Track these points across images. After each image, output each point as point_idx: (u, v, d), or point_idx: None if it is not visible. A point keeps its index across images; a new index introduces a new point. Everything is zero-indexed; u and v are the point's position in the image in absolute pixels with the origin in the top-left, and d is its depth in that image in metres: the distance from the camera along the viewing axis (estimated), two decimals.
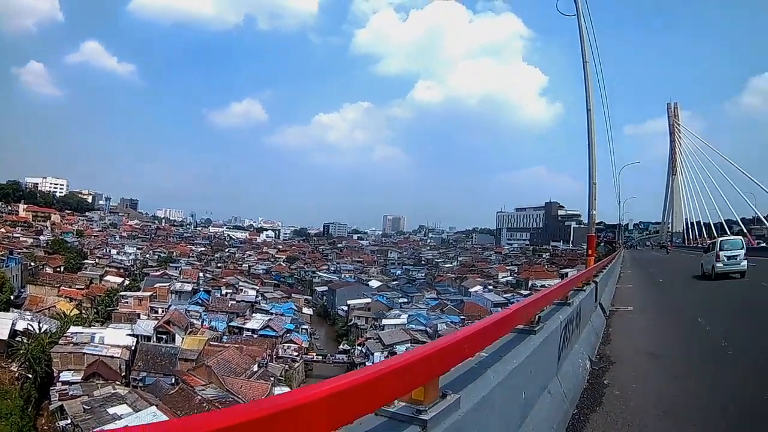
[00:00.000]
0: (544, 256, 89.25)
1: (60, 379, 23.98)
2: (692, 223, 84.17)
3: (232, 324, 35.86)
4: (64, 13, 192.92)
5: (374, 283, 54.44)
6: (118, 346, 27.10)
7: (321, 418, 1.04)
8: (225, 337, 32.87)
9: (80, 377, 24.21)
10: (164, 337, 30.93)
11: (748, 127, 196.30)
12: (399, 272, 69.56)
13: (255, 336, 33.69)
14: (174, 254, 67.36)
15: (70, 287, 39.60)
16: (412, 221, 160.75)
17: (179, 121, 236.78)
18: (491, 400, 2.00)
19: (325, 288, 54.47)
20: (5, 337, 25.75)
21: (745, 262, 14.12)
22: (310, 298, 51.92)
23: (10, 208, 74.36)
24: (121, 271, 51.87)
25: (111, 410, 19.40)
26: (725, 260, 14.18)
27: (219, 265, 64.69)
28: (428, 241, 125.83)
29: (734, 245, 14.91)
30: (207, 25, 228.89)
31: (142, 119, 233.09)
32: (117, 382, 24.12)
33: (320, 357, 35.21)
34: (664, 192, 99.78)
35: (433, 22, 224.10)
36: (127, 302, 37.26)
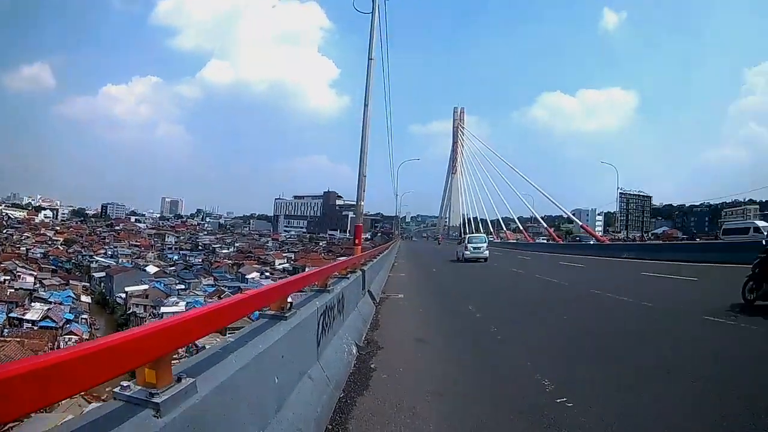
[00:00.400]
0: (321, 244, 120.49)
1: None
2: (469, 219, 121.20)
3: (12, 315, 41.00)
4: None
5: (151, 269, 66.56)
6: None
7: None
8: (6, 330, 37.43)
9: None
10: None
11: (531, 136, 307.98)
12: (176, 257, 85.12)
13: (35, 328, 39.22)
14: None
15: None
16: (191, 205, 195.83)
17: None
18: (235, 385, 2.55)
19: (103, 274, 65.45)
20: None
21: (486, 252, 28.46)
22: (88, 284, 61.56)
23: None
24: None
25: None
26: (471, 250, 28.26)
27: None
28: (206, 225, 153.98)
29: (479, 240, 30.12)
30: None
31: None
32: None
33: None
34: (443, 188, 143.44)
35: (237, 1, 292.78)
36: None
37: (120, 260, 75.16)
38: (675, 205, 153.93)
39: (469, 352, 6.89)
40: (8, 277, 52.07)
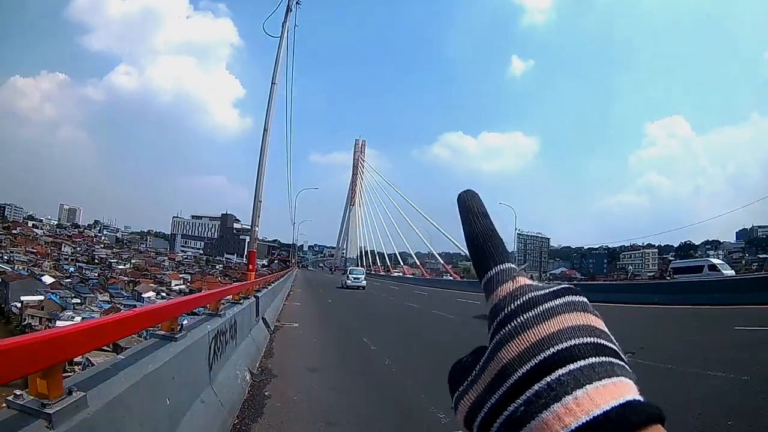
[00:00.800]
0: (217, 267, 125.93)
1: None
2: (367, 252, 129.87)
3: None
4: None
5: (48, 279, 65.20)
6: None
7: None
8: None
9: None
10: None
11: (432, 174, 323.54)
12: (72, 269, 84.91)
13: None
14: None
15: None
16: (89, 214, 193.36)
17: None
18: (126, 403, 2.60)
19: None
20: None
21: (364, 282, 38.07)
22: None
23: None
24: None
25: None
26: (352, 279, 37.66)
27: None
28: (103, 238, 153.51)
29: (359, 272, 40.63)
30: None
31: None
32: None
33: None
34: (341, 219, 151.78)
35: (152, 7, 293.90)
36: None
37: (16, 266, 74.06)
38: (573, 247, 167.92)
39: (362, 382, 7.15)
40: None
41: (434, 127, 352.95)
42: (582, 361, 0.34)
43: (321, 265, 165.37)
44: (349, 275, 39.09)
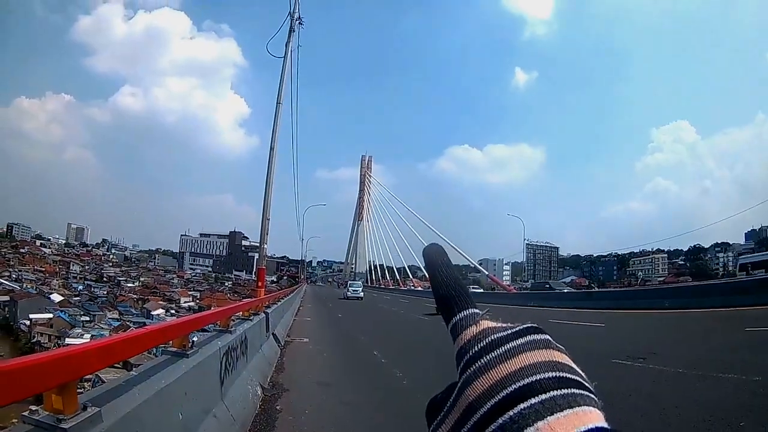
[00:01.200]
0: (226, 284, 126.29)
1: None
2: (376, 266, 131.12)
3: None
4: None
5: (56, 297, 65.29)
6: None
7: None
8: None
9: None
10: None
11: (439, 187, 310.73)
12: (81, 287, 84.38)
13: None
14: None
15: None
16: (96, 233, 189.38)
17: None
18: (139, 418, 2.66)
19: (7, 298, 63.44)
20: None
21: (362, 293, 46.92)
22: None
23: None
24: None
25: None
26: (351, 291, 46.76)
27: None
28: (111, 257, 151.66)
29: (357, 285, 51.17)
30: None
31: None
32: None
33: None
34: (349, 235, 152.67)
35: (156, 29, 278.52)
36: None
37: (24, 285, 73.89)
38: (582, 255, 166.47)
39: (373, 396, 7.15)
40: None
41: (440, 141, 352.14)
42: (543, 394, 0.36)
43: (330, 280, 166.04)
44: (349, 288, 49.08)
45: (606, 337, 13.23)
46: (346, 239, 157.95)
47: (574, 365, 0.40)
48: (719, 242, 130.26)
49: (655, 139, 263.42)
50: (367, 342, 13.30)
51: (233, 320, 6.28)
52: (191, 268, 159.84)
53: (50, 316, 52.96)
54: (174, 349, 3.86)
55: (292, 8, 16.77)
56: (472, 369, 0.40)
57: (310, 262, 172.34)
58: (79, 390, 2.33)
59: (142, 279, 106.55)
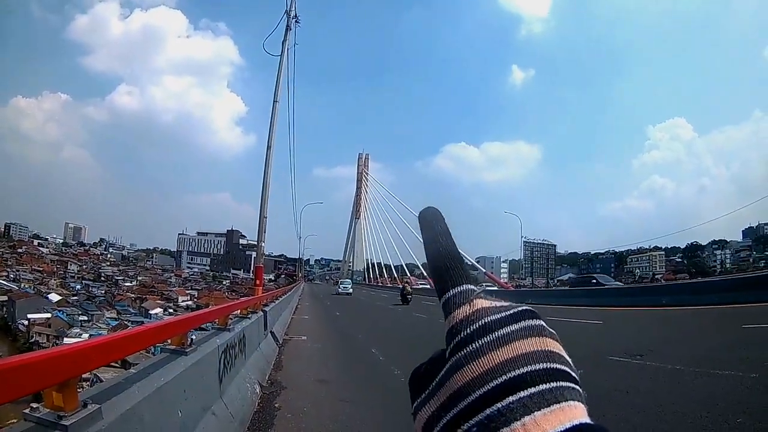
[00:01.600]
0: (224, 282, 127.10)
1: None
2: (373, 264, 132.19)
3: None
4: None
5: (54, 297, 66.16)
6: None
7: None
8: None
9: None
10: None
11: (436, 185, 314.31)
12: (79, 287, 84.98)
13: None
14: None
15: None
16: (94, 233, 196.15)
17: None
18: (139, 415, 2.68)
19: (5, 298, 64.02)
20: None
21: (351, 289, 53.54)
22: None
23: None
24: None
25: None
26: (342, 288, 53.47)
27: None
28: (109, 256, 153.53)
29: (347, 282, 57.97)
30: None
31: None
32: None
33: None
34: (346, 233, 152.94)
35: (152, 27, 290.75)
36: None
37: (22, 285, 74.74)
38: (580, 252, 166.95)
39: (371, 393, 7.17)
40: None
41: (437, 139, 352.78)
42: (532, 388, 0.35)
43: (327, 278, 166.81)
44: (339, 285, 56.67)
45: (604, 334, 13.26)
46: (344, 238, 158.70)
47: (564, 354, 0.40)
48: (716, 240, 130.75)
49: (652, 136, 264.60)
50: (365, 340, 13.33)
51: (231, 318, 6.35)
52: (189, 267, 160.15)
53: (48, 315, 53.24)
54: (173, 347, 3.88)
55: (288, 6, 16.86)
56: (462, 352, 0.39)
57: (308, 260, 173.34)
58: (78, 389, 2.35)
59: (139, 278, 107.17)
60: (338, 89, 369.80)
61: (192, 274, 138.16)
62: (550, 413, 0.34)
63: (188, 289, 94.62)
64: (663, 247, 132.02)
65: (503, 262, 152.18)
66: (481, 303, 0.43)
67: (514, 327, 0.40)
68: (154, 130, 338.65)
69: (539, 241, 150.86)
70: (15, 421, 2.11)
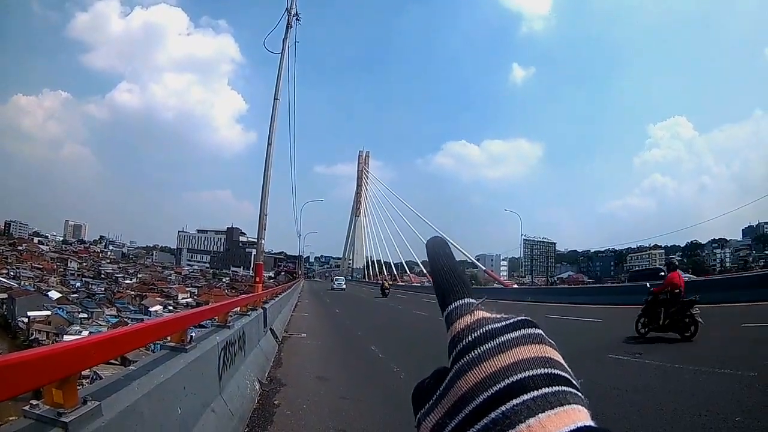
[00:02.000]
0: (224, 280, 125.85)
1: None
2: (373, 261, 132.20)
3: None
4: None
5: (54, 294, 65.80)
6: None
7: None
8: None
9: None
10: None
11: (437, 183, 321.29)
12: (79, 284, 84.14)
13: None
14: None
15: None
16: (94, 230, 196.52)
17: None
18: (138, 411, 2.69)
19: (5, 295, 63.39)
20: None
21: (344, 285, 61.07)
22: None
23: None
24: None
25: None
26: (336, 284, 61.01)
27: None
28: (109, 253, 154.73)
29: (341, 279, 66.01)
30: None
31: None
32: None
33: None
34: (346, 230, 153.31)
35: (153, 25, 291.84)
36: None
37: (22, 282, 74.47)
38: (580, 250, 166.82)
39: (371, 390, 7.19)
40: None
41: (437, 137, 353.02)
42: (535, 391, 0.36)
43: (327, 275, 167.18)
44: (334, 281, 63.66)
45: (603, 332, 13.28)
46: (344, 235, 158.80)
47: (563, 362, 0.41)
48: (716, 238, 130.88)
49: (653, 134, 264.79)
50: (364, 337, 13.34)
51: (231, 316, 6.35)
52: (189, 265, 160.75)
53: (48, 313, 53.32)
54: (173, 344, 3.89)
55: (289, 4, 16.83)
56: (465, 359, 0.40)
57: (308, 257, 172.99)
58: (78, 386, 2.36)
59: (139, 275, 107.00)
60: (339, 87, 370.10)
61: (192, 272, 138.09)
62: (555, 415, 0.34)
63: (188, 287, 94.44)
64: (663, 246, 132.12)
65: (503, 260, 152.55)
66: (482, 313, 0.44)
67: (515, 334, 0.41)
68: (155, 128, 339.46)
69: (539, 239, 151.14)
70: (15, 417, 2.12)
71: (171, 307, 65.80)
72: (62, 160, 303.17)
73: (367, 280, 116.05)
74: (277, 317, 12.47)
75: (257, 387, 6.03)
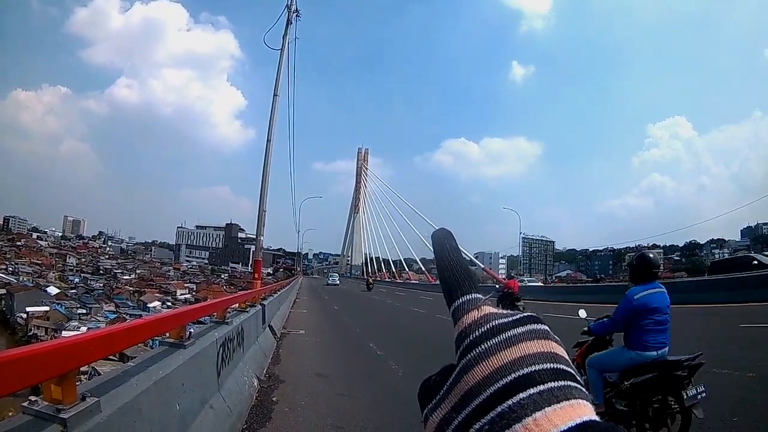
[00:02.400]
0: (223, 276, 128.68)
1: None
2: (372, 258, 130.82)
3: None
4: None
5: (53, 290, 66.87)
6: None
7: None
8: None
9: None
10: None
11: (436, 180, 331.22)
12: (77, 280, 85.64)
13: None
14: None
15: None
16: (93, 226, 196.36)
17: None
18: (137, 408, 2.69)
19: (3, 291, 64.25)
20: None
21: (338, 281, 69.11)
22: None
23: None
24: None
25: None
26: (330, 280, 69.31)
27: None
28: (108, 249, 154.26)
29: (335, 276, 76.53)
30: None
31: None
32: None
33: None
34: (345, 227, 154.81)
35: (153, 20, 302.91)
36: None
37: (21, 278, 75.40)
38: (578, 249, 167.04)
39: (369, 387, 7.20)
40: None
41: (437, 134, 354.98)
42: (541, 385, 0.36)
43: (325, 271, 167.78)
44: (329, 277, 70.57)
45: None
46: (342, 232, 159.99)
47: (568, 358, 0.41)
48: (715, 238, 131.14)
49: (652, 134, 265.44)
50: (362, 334, 13.35)
51: (230, 312, 6.36)
52: (187, 260, 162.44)
53: (47, 308, 53.65)
54: (171, 341, 3.90)
55: (289, 1, 16.78)
56: (472, 354, 0.40)
57: (307, 254, 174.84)
58: (76, 382, 2.36)
59: (138, 271, 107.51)
60: (338, 84, 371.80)
61: (190, 268, 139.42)
62: (561, 409, 0.35)
63: (187, 283, 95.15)
64: (661, 245, 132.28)
65: (501, 258, 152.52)
66: (489, 309, 0.44)
67: (522, 329, 0.41)
68: (154, 124, 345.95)
69: (537, 238, 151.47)
70: (14, 413, 2.12)
71: (169, 303, 66.20)
72: (61, 156, 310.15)
73: (363, 277, 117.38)
74: (276, 314, 12.50)
75: (256, 383, 6.05)
